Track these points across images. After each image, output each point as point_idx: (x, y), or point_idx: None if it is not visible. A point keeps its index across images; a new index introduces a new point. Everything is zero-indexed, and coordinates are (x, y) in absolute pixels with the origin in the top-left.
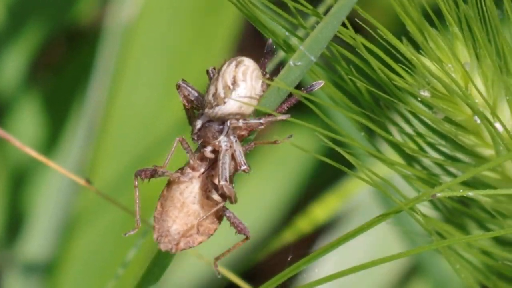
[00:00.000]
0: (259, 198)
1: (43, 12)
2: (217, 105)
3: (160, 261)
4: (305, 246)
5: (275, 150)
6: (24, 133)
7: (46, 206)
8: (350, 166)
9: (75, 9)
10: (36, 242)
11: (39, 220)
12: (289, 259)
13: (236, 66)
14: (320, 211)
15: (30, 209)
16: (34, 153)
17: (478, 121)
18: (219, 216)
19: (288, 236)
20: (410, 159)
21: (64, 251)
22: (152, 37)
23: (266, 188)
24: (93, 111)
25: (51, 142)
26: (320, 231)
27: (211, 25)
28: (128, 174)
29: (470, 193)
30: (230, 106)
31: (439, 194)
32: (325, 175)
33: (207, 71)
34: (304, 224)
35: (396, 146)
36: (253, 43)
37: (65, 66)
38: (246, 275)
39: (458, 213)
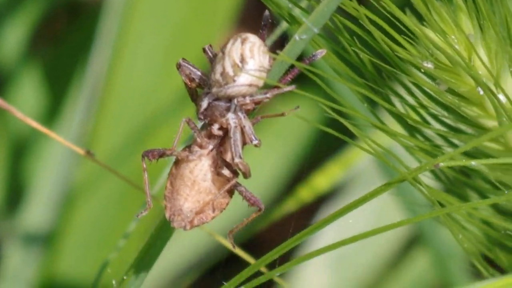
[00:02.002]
0: (260, 168)
1: None
2: (226, 83)
3: (162, 234)
4: (307, 216)
5: (276, 120)
6: (24, 105)
7: (47, 176)
8: (352, 136)
9: None
10: (36, 212)
11: (40, 190)
12: (291, 230)
13: (242, 43)
14: (322, 180)
15: (31, 179)
16: (35, 124)
17: (482, 92)
18: (231, 190)
19: (290, 205)
20: (412, 130)
21: (65, 221)
22: (152, 9)
23: (268, 158)
24: (94, 82)
25: (51, 113)
26: (322, 200)
27: None
28: (129, 144)
29: (473, 163)
30: (240, 83)
31: (441, 164)
32: (327, 145)
33: (204, 49)
34: (306, 193)
35: (398, 117)
36: (255, 14)
37: (66, 38)
38: (247, 245)
39: (460, 185)
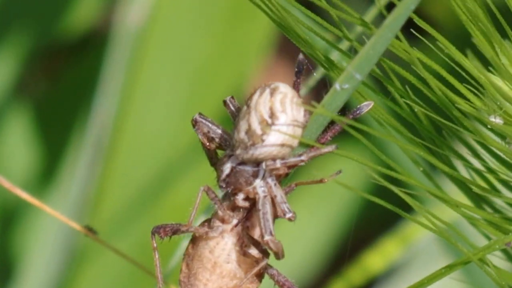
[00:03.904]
0: (298, 244)
1: (35, 17)
2: (252, 144)
3: None
4: None
5: (317, 186)
6: (12, 159)
7: (41, 249)
8: (407, 207)
9: (75, 14)
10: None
11: (32, 265)
12: None
13: (271, 94)
14: (375, 259)
15: (22, 252)
16: (26, 195)
17: None
18: (260, 274)
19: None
20: (479, 200)
21: None
22: (170, 44)
23: (308, 231)
24: (98, 133)
25: (48, 168)
26: (375, 282)
27: (242, 31)
28: (138, 206)
29: None
30: (270, 143)
31: None
32: (378, 214)
33: (225, 102)
34: (356, 274)
35: (462, 184)
36: (289, 53)
37: (64, 78)
38: None
39: None
